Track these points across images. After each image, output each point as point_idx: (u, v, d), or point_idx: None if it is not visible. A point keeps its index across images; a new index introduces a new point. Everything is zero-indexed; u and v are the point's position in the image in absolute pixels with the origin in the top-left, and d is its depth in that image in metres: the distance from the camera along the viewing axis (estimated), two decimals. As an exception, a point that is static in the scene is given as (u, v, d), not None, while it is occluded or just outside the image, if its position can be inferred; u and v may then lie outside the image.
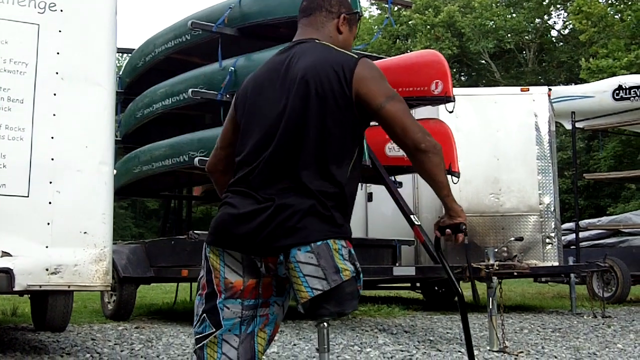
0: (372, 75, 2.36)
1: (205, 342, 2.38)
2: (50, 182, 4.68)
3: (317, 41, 2.49)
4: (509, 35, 33.04)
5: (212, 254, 2.41)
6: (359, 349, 5.86)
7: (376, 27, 34.91)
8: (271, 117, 2.38)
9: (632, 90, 11.87)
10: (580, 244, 11.33)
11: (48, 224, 4.64)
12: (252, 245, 2.31)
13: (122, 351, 5.61)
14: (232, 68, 7.41)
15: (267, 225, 2.27)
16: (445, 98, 7.60)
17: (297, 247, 2.25)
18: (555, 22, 40.84)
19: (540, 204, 9.56)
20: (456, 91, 7.83)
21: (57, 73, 4.80)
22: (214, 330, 2.37)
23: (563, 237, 11.15)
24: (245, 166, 2.40)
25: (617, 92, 11.99)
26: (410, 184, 9.94)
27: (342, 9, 2.56)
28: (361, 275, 2.35)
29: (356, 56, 2.40)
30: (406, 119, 2.33)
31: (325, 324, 2.33)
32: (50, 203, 4.66)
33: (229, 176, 2.53)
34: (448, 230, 2.48)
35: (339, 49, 2.45)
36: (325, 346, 2.33)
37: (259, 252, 2.32)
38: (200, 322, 2.40)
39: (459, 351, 5.83)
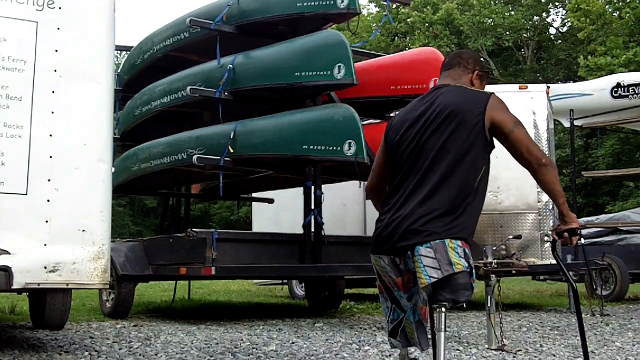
0: (502, 107, 2.97)
1: (403, 324, 3.10)
2: (49, 180, 4.68)
3: (451, 85, 3.12)
4: (508, 32, 33.03)
5: (375, 261, 3.11)
6: (357, 347, 5.86)
7: (375, 24, 34.89)
8: (413, 145, 3.00)
9: (630, 88, 11.85)
10: (579, 241, 11.32)
11: (46, 221, 4.64)
12: (391, 247, 2.98)
13: (120, 349, 5.60)
14: (231, 65, 7.40)
15: (398, 230, 2.93)
16: (444, 96, 7.60)
17: (420, 244, 2.86)
18: (553, 20, 40.75)
19: (538, 201, 9.54)
20: (455, 89, 7.82)
21: (55, 71, 4.80)
22: (404, 314, 3.10)
23: (561, 235, 11.12)
24: (392, 186, 3.09)
25: (616, 89, 11.97)
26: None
27: (476, 66, 3.21)
28: (474, 272, 2.92)
29: (488, 92, 3.02)
30: (530, 141, 2.94)
31: (443, 308, 2.90)
32: (48, 201, 4.66)
33: (384, 194, 3.21)
34: (565, 234, 3.00)
35: (472, 88, 3.10)
36: (442, 327, 2.91)
37: (396, 252, 2.98)
38: (392, 311, 3.13)
39: (457, 349, 5.83)
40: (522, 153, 2.93)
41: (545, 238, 9.54)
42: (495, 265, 6.39)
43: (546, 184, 2.93)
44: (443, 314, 2.90)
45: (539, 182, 2.95)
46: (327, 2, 6.95)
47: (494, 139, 3.02)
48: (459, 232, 2.88)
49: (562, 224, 3.01)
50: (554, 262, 9.49)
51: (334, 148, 6.57)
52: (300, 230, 7.82)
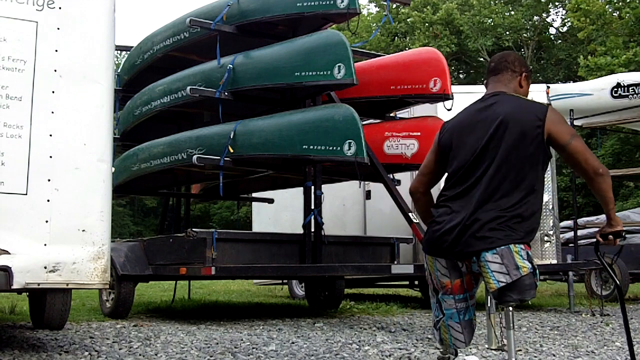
0: (559, 119, 3.13)
1: (439, 325, 3.30)
2: (49, 180, 4.68)
3: (506, 94, 3.26)
4: (508, 32, 33.05)
5: (429, 260, 3.30)
6: (357, 347, 5.86)
7: (375, 24, 34.89)
8: (475, 153, 3.14)
9: (630, 88, 11.82)
10: (579, 241, 11.32)
11: (46, 221, 4.64)
12: (454, 251, 3.13)
13: (120, 349, 5.60)
14: (231, 65, 7.40)
15: (463, 236, 3.07)
16: (444, 96, 7.60)
17: (486, 250, 3.03)
18: (553, 20, 40.78)
19: (538, 201, 9.53)
20: (454, 89, 7.81)
21: (55, 70, 4.80)
22: (442, 316, 3.29)
23: (561, 235, 11.13)
24: (452, 190, 3.20)
25: (616, 89, 11.95)
26: (408, 182, 9.92)
27: (522, 68, 3.36)
28: (537, 271, 3.08)
29: (545, 104, 3.17)
30: (587, 152, 3.09)
31: (510, 308, 3.13)
32: (48, 201, 4.66)
33: (428, 197, 3.40)
34: (610, 236, 3.19)
35: (528, 99, 3.25)
36: (512, 325, 3.17)
37: (459, 257, 3.15)
38: (436, 309, 3.35)
39: (458, 349, 5.82)
40: (580, 163, 3.08)
41: (546, 238, 9.54)
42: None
43: (601, 192, 3.08)
44: (511, 313, 3.13)
45: (594, 190, 3.11)
46: (327, 2, 6.95)
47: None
48: (523, 237, 3.06)
49: (607, 227, 3.19)
50: (554, 261, 9.51)
51: (334, 148, 6.57)
52: (300, 230, 7.82)
